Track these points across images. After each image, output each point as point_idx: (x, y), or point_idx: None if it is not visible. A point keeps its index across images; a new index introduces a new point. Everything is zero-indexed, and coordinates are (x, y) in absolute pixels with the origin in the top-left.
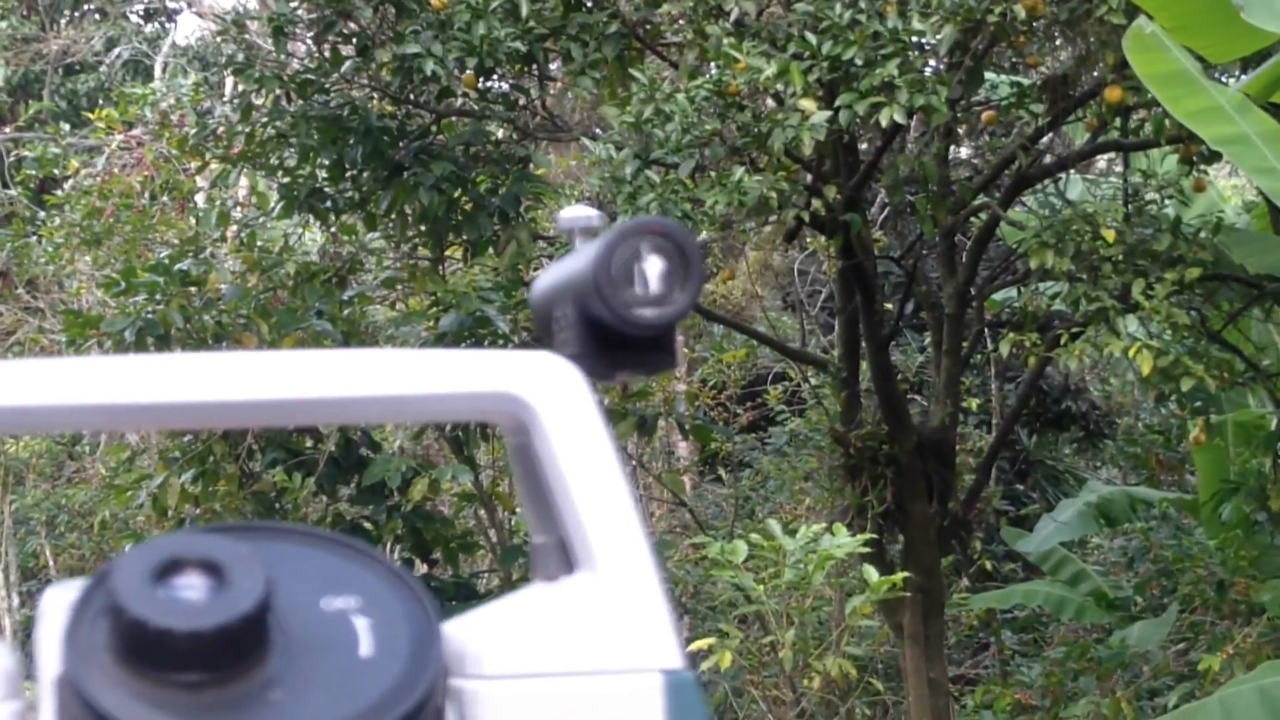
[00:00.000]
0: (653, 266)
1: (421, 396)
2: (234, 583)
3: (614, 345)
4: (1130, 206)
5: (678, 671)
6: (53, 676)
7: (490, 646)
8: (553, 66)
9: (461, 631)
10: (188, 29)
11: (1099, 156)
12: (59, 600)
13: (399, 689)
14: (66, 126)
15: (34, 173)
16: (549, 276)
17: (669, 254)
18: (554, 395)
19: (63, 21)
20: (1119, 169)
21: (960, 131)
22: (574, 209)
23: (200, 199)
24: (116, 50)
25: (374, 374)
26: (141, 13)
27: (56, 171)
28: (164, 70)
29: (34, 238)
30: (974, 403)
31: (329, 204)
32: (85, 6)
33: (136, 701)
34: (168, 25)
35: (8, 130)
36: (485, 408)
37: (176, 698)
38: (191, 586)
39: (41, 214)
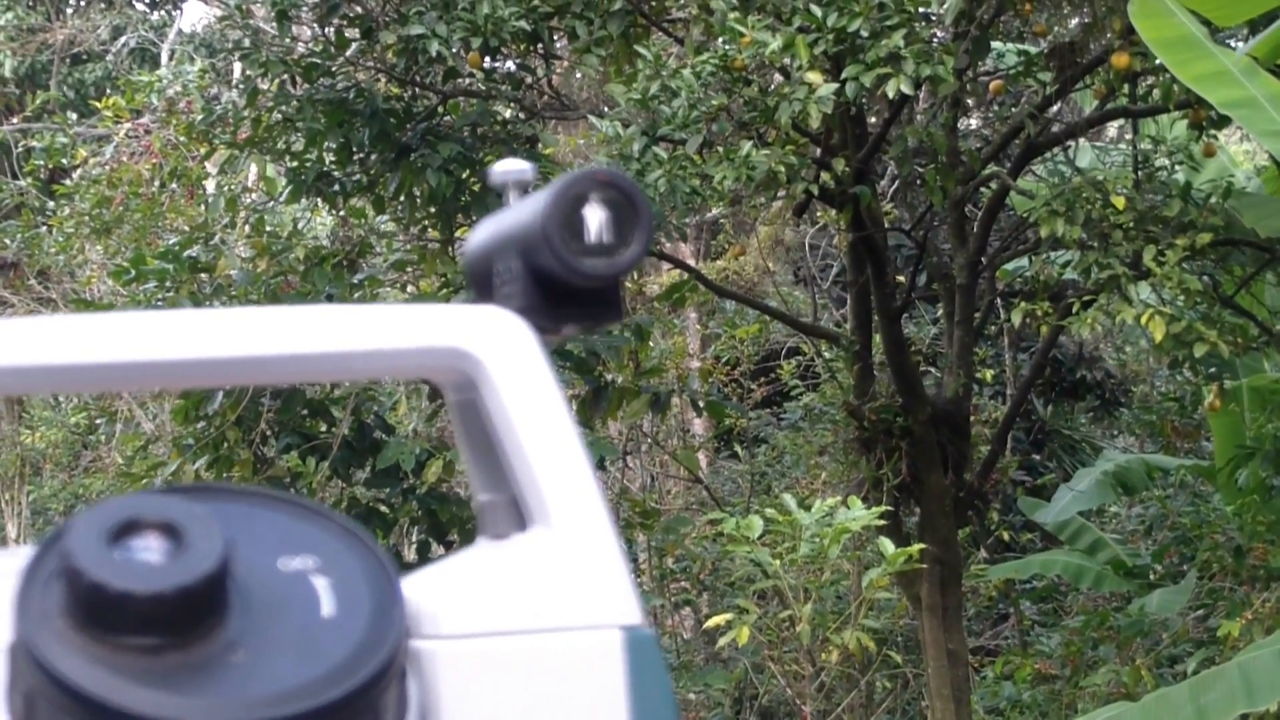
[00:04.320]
0: (602, 217)
1: (366, 353)
2: (192, 544)
3: (560, 298)
4: (1140, 173)
5: (637, 627)
6: (5, 643)
7: (447, 605)
8: (558, 45)
9: (415, 591)
10: (193, 15)
11: (1108, 124)
12: (8, 566)
13: (364, 649)
14: (74, 116)
15: (42, 163)
16: (487, 230)
17: (617, 204)
18: (503, 349)
19: (68, 11)
20: (1128, 136)
21: (968, 101)
22: (506, 162)
23: (209, 185)
24: (123, 39)
25: (317, 330)
26: (147, 0)
27: (65, 161)
28: (170, 57)
29: (44, 228)
30: (988, 373)
31: (337, 188)
32: None
33: (95, 666)
34: (173, 12)
35: (15, 121)
36: (432, 363)
37: (137, 662)
38: (148, 548)
39: (51, 204)
